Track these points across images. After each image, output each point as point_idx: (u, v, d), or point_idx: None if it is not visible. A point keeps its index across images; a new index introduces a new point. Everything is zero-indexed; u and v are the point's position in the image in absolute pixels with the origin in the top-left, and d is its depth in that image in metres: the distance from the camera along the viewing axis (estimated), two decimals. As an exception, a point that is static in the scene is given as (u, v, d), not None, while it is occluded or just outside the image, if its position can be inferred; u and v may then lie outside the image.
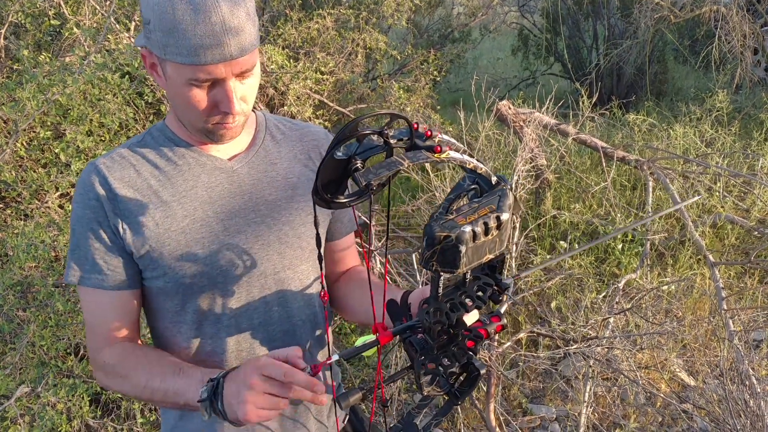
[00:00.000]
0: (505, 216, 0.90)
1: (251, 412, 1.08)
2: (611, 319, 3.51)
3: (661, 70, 7.94)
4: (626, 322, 3.69)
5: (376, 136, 0.90)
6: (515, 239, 3.94)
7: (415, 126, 0.91)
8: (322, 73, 4.82)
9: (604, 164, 4.52)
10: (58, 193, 3.27)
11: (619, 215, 4.46)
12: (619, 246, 4.25)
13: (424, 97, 5.44)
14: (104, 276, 1.25)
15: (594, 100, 5.20)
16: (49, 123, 2.68)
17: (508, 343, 3.46)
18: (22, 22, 3.61)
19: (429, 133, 0.91)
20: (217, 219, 1.27)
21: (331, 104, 5.36)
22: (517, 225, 3.96)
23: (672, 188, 4.36)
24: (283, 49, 4.91)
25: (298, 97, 4.78)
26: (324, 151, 1.41)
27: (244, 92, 1.20)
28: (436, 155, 0.88)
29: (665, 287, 4.04)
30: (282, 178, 1.35)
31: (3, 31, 3.69)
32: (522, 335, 3.52)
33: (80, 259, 1.26)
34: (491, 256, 0.92)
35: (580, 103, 5.21)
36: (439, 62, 6.47)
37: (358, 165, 0.88)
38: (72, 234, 1.27)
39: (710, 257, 3.92)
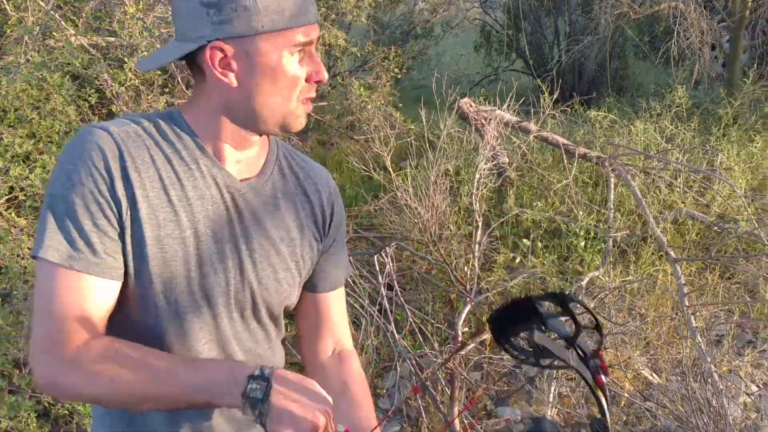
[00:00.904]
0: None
1: None
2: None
3: (621, 66, 8.01)
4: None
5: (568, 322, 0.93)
6: (477, 238, 3.90)
7: (599, 353, 0.94)
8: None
9: (565, 161, 4.51)
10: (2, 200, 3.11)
11: (581, 212, 4.45)
12: (582, 243, 4.24)
13: (385, 94, 5.37)
14: (98, 260, 1.07)
15: (555, 96, 5.19)
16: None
17: (471, 345, 3.42)
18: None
19: (605, 366, 0.92)
20: (214, 238, 1.15)
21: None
22: (480, 224, 3.92)
23: (633, 184, 4.37)
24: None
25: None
26: (325, 196, 1.32)
27: None
28: (597, 384, 0.90)
29: (628, 285, 4.05)
30: (279, 216, 1.24)
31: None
32: (486, 336, 3.48)
33: (70, 233, 1.05)
34: None
35: (542, 100, 5.19)
36: (400, 59, 6.41)
37: (543, 327, 0.90)
38: (57, 202, 1.07)
39: (671, 254, 3.93)
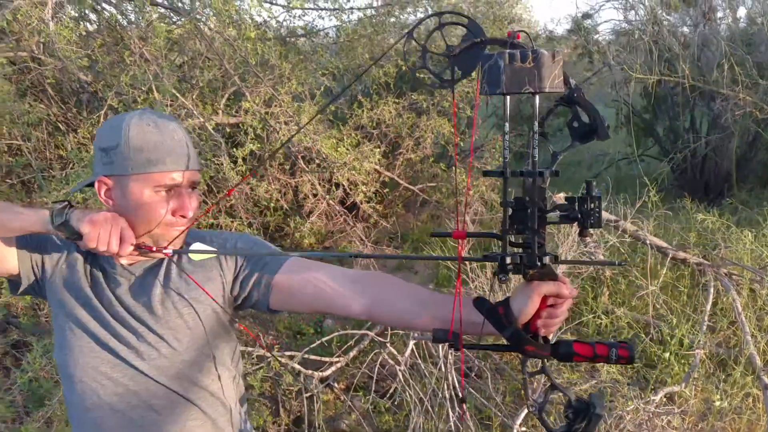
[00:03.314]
0: None
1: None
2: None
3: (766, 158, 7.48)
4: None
5: None
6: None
7: None
8: (388, 153, 5.09)
9: (658, 265, 4.39)
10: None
11: (675, 319, 4.28)
12: (666, 354, 4.07)
13: (494, 179, 5.54)
14: None
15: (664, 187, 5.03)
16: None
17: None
18: (116, 106, 4.16)
19: None
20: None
21: (401, 182, 5.60)
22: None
23: (735, 296, 4.14)
24: (356, 130, 5.23)
25: (368, 172, 5.03)
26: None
27: (193, 202, 1.48)
28: None
29: (717, 403, 3.83)
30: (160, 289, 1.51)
31: (103, 111, 4.26)
32: (540, 440, 3.47)
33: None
34: None
35: (652, 195, 5.03)
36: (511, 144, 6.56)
37: None
38: None
39: (765, 379, 3.68)
